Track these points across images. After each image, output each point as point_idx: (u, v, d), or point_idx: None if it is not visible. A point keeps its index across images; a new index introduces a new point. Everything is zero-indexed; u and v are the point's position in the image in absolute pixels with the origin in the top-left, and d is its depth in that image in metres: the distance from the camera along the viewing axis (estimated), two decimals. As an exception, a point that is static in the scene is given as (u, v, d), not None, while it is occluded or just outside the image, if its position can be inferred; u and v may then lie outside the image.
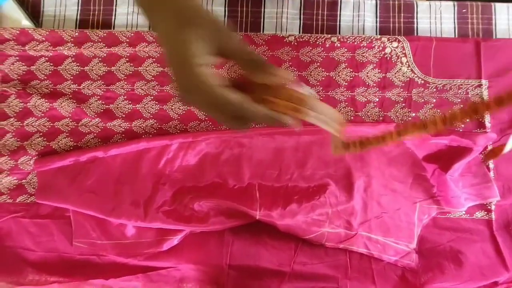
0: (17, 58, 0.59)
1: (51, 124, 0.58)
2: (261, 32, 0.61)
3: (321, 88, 0.58)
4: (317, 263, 0.54)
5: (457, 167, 0.53)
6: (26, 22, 0.60)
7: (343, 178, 0.55)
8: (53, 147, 0.58)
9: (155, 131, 0.58)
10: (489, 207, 0.55)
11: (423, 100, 0.57)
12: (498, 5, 0.61)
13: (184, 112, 0.58)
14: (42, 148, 0.58)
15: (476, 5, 0.61)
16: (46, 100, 0.58)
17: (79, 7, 0.62)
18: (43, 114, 0.58)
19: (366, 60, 0.59)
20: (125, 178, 0.56)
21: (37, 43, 0.59)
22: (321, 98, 0.58)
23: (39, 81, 0.59)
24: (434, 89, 0.58)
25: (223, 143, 0.57)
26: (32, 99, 0.58)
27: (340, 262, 0.54)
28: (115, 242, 0.55)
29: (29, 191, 0.57)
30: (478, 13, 0.61)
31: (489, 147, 0.56)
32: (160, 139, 0.56)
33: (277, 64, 0.59)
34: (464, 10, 0.61)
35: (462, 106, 0.58)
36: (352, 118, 0.58)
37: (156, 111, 0.59)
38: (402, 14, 0.61)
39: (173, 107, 0.59)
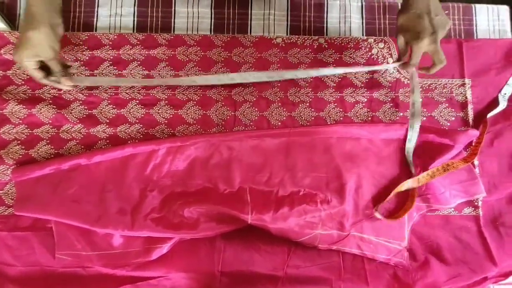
0: (-9, 62, 0.56)
1: (30, 131, 0.56)
2: (249, 34, 0.61)
3: (310, 89, 0.58)
4: (311, 265, 0.54)
5: (439, 162, 0.54)
6: (1, 25, 0.57)
7: (334, 179, 0.55)
8: (32, 155, 0.55)
9: (141, 136, 0.56)
10: (476, 203, 0.56)
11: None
12: (478, 6, 0.63)
13: (171, 116, 0.57)
14: (21, 156, 0.55)
15: (457, 6, 0.63)
16: (24, 106, 0.55)
17: (59, 9, 0.60)
18: (21, 121, 0.56)
19: (354, 61, 0.59)
20: (110, 185, 0.53)
21: (13, 46, 0.56)
22: (310, 100, 0.58)
23: (16, 86, 0.56)
24: (420, 89, 0.59)
25: (212, 147, 0.55)
26: (9, 105, 0.55)
27: (333, 263, 0.54)
28: (101, 253, 0.52)
29: (6, 202, 0.54)
30: (460, 14, 0.63)
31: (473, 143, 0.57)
32: (146, 144, 0.54)
33: (265, 66, 0.58)
34: (446, 12, 0.62)
35: (447, 105, 0.59)
36: (341, 118, 0.58)
37: (142, 115, 0.57)
38: (387, 15, 0.62)
39: (159, 111, 0.57)
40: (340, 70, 0.57)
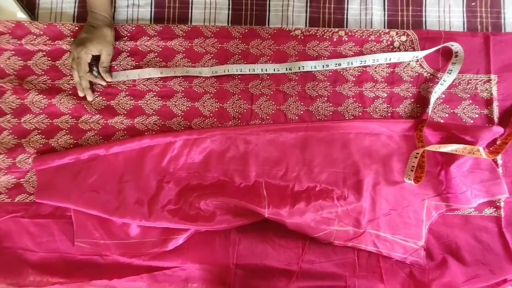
0: (13, 52, 0.57)
1: (50, 121, 0.56)
2: (267, 26, 0.60)
3: (328, 83, 0.57)
4: (325, 261, 0.53)
5: (462, 161, 0.52)
6: (21, 15, 0.58)
7: (352, 176, 0.54)
8: (52, 145, 0.56)
9: (158, 128, 0.56)
10: (498, 204, 0.55)
11: (431, 96, 0.56)
12: (508, -2, 0.60)
13: (188, 108, 0.57)
14: (41, 146, 0.56)
15: (485, -2, 0.60)
16: (44, 96, 0.56)
17: (77, 0, 0.60)
18: (41, 111, 0.56)
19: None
20: (128, 176, 0.54)
21: (34, 37, 0.57)
22: (329, 94, 0.57)
23: (36, 77, 0.57)
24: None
25: (229, 140, 0.55)
26: (30, 95, 0.56)
27: (348, 260, 0.53)
28: (119, 242, 0.53)
29: (28, 190, 0.55)
30: (487, 6, 0.60)
31: (498, 141, 0.55)
32: (164, 136, 0.55)
33: (283, 59, 0.57)
34: (473, 4, 0.60)
35: (470, 102, 0.57)
36: (360, 114, 0.56)
37: (159, 107, 0.57)
38: (410, 7, 0.60)
39: (176, 103, 0.57)
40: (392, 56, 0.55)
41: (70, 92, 0.57)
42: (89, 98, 0.56)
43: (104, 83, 0.56)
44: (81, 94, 0.55)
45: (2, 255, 0.53)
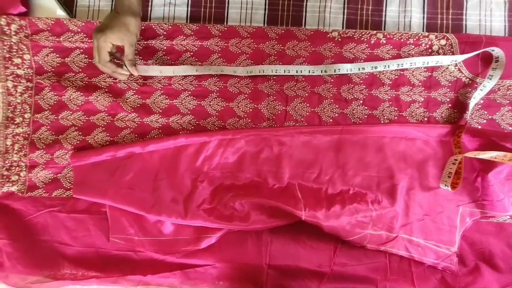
0: (51, 49, 0.57)
1: (87, 118, 0.57)
2: (303, 27, 0.59)
3: (364, 86, 0.57)
4: (357, 264, 0.54)
5: (500, 168, 0.52)
6: (60, 12, 0.58)
7: (386, 180, 0.54)
8: (89, 141, 0.57)
9: (192, 127, 0.57)
10: (534, 212, 0.54)
11: (470, 101, 0.55)
12: (553, 2, 0.58)
13: (222, 108, 0.57)
14: (78, 142, 0.57)
15: (528, 2, 0.58)
16: (81, 94, 0.57)
17: (114, -3, 0.60)
18: (78, 108, 0.57)
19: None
20: (163, 174, 0.55)
21: (72, 34, 0.57)
22: (364, 97, 0.57)
23: (73, 74, 0.58)
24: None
25: (263, 141, 0.55)
26: (67, 92, 0.57)
27: (380, 264, 0.54)
28: (153, 239, 0.54)
29: (64, 185, 0.56)
30: (530, 10, 0.58)
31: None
32: (199, 135, 0.55)
33: (319, 61, 0.57)
34: (514, 8, 0.58)
35: (510, 108, 0.56)
36: (395, 118, 0.56)
37: (194, 106, 0.57)
38: (450, 11, 0.58)
39: (211, 103, 0.57)
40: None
41: (106, 90, 0.57)
42: (135, 73, 0.53)
43: (124, 78, 0.55)
44: (121, 77, 0.54)
45: (39, 248, 0.55)
